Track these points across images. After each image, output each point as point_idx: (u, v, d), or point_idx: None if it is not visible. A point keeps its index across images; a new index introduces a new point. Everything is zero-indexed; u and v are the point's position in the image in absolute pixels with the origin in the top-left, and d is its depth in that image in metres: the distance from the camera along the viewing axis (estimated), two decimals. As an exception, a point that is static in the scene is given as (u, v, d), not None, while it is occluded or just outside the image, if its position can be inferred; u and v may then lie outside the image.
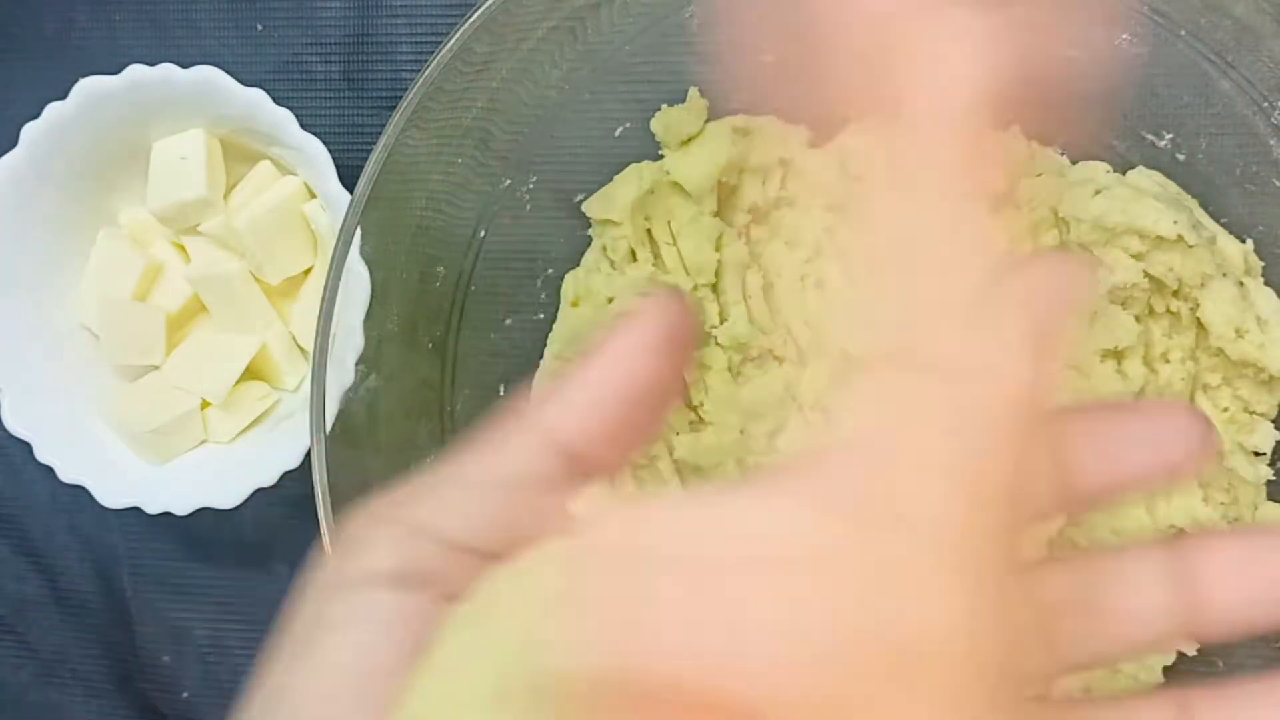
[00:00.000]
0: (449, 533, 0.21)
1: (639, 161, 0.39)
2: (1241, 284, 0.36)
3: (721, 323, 0.38)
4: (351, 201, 0.33)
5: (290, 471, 0.39)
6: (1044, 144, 0.38)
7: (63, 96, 0.39)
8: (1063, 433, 0.23)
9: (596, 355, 0.22)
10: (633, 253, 0.39)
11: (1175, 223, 0.35)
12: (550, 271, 0.40)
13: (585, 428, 0.22)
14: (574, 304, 0.39)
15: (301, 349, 0.42)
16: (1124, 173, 0.37)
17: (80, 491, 0.40)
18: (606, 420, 0.22)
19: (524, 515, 0.22)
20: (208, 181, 0.40)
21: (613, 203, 0.38)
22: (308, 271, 0.42)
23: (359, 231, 0.33)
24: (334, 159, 0.38)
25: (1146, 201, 0.36)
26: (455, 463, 0.22)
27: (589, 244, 0.40)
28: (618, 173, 0.39)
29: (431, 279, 0.37)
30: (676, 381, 0.22)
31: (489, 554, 0.22)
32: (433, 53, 0.33)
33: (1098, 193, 0.36)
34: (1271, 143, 0.35)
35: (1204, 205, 0.37)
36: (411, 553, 0.21)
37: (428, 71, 0.33)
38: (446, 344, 0.38)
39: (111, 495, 0.40)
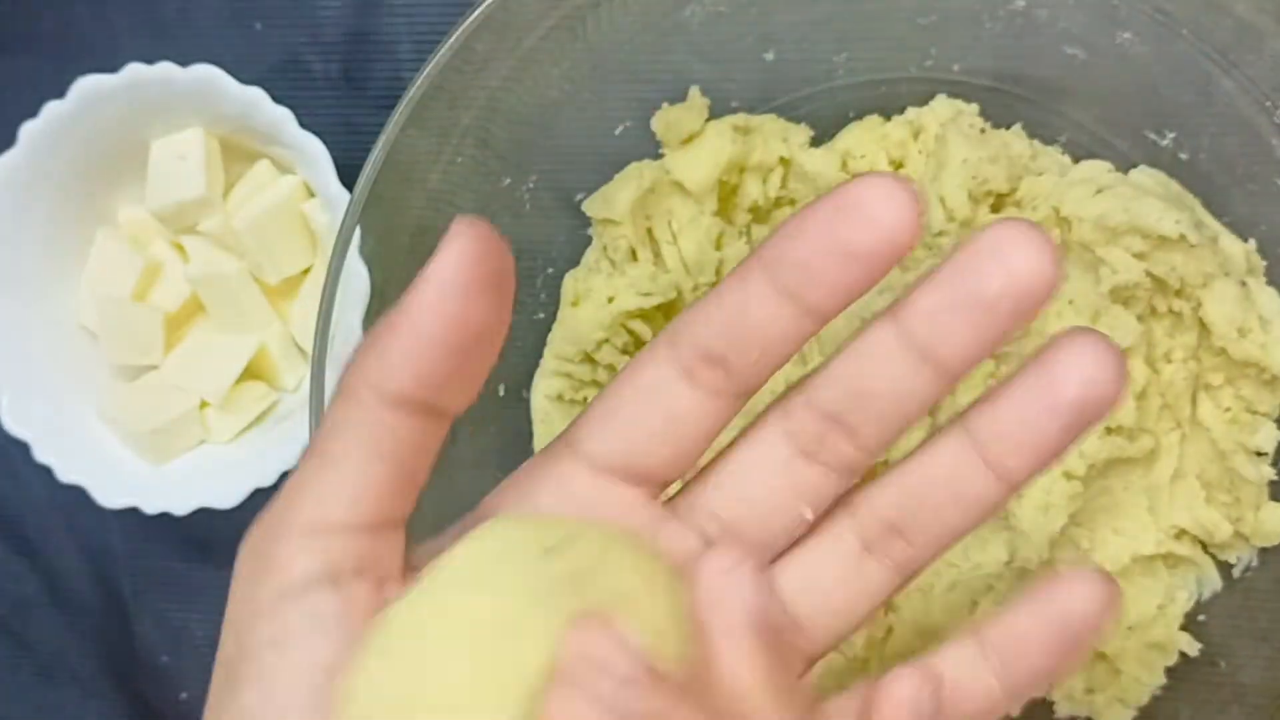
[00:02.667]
0: (345, 518, 0.21)
1: (639, 160, 0.39)
2: (1244, 284, 0.36)
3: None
4: (351, 201, 0.33)
5: (289, 472, 0.38)
6: (1046, 142, 0.38)
7: (61, 95, 0.39)
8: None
9: (406, 307, 0.20)
10: (633, 252, 0.39)
11: (1177, 222, 0.35)
12: (550, 271, 0.39)
13: (412, 382, 0.21)
14: (574, 303, 0.39)
15: (300, 349, 0.42)
16: (1126, 172, 0.37)
17: (79, 492, 0.40)
18: (433, 372, 0.20)
19: (403, 467, 0.21)
20: (206, 181, 0.40)
21: (613, 202, 0.38)
22: (307, 271, 0.41)
23: (358, 231, 0.33)
24: (333, 158, 0.38)
25: (1148, 201, 0.35)
26: (316, 451, 0.21)
27: (589, 243, 0.40)
28: (618, 172, 0.39)
29: (431, 278, 0.36)
30: (501, 316, 0.21)
31: (394, 521, 0.22)
32: (433, 51, 0.33)
33: (1099, 192, 0.36)
34: (1274, 142, 0.35)
35: (1206, 204, 0.37)
36: (322, 550, 0.21)
37: (428, 70, 0.33)
38: (446, 344, 0.38)
39: (110, 495, 0.40)
